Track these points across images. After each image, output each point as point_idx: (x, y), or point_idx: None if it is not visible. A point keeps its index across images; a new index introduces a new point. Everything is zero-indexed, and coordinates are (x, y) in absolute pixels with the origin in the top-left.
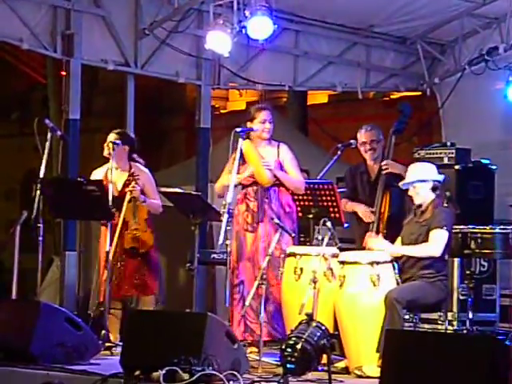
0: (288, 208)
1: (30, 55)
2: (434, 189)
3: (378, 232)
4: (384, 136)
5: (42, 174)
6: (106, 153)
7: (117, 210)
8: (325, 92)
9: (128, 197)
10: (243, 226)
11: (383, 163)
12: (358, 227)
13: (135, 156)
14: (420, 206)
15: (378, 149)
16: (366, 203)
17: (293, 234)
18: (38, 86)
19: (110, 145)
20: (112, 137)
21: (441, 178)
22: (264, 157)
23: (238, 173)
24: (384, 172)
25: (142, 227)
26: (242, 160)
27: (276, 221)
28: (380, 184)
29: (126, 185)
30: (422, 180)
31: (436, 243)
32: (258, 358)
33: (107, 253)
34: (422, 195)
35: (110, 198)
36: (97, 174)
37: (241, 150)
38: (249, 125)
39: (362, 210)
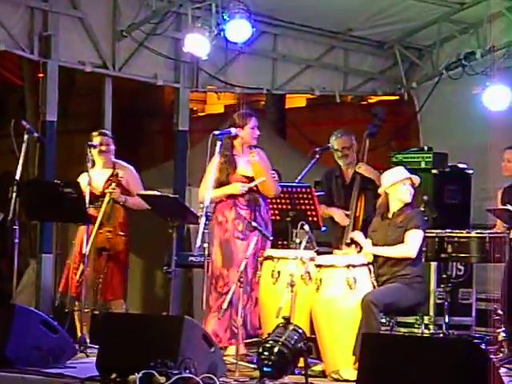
0: (266, 213)
1: (6, 56)
2: (412, 186)
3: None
4: (357, 140)
5: (18, 176)
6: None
7: (97, 208)
8: (303, 96)
9: (107, 198)
10: (233, 233)
11: (357, 166)
12: (334, 231)
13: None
14: (388, 211)
15: (350, 154)
16: (342, 206)
17: (271, 238)
18: (15, 87)
19: (105, 146)
20: (102, 139)
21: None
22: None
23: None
24: (357, 170)
25: (115, 230)
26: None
27: (254, 224)
28: (355, 187)
29: (106, 185)
30: (406, 178)
31: (412, 244)
32: (234, 361)
33: (84, 254)
34: (400, 196)
35: (88, 198)
36: (85, 176)
37: (225, 154)
38: (238, 131)
39: (338, 214)
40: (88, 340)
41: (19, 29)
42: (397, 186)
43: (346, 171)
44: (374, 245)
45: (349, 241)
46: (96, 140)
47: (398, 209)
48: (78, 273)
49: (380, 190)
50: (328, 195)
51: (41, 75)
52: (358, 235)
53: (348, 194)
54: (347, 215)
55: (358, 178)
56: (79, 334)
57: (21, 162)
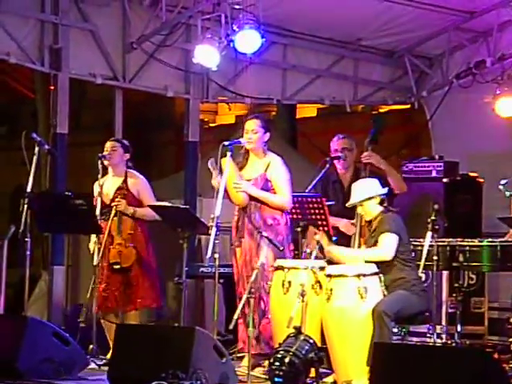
0: (271, 220)
1: (18, 69)
2: (381, 203)
3: (359, 245)
4: (358, 147)
5: (29, 189)
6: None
7: (107, 219)
8: (314, 105)
9: (114, 211)
10: (234, 241)
11: (364, 153)
12: (341, 241)
13: (130, 164)
14: (370, 221)
15: (349, 157)
16: (340, 212)
17: (281, 248)
18: (27, 100)
19: (109, 149)
20: (110, 144)
21: (385, 191)
22: (243, 174)
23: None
24: (364, 161)
25: (124, 242)
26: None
27: (264, 234)
28: None
29: (114, 197)
30: (369, 198)
31: (384, 246)
32: (246, 371)
33: (95, 266)
34: (370, 211)
35: (99, 209)
36: (97, 185)
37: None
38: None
39: (343, 224)
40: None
41: (30, 42)
42: (364, 204)
43: (344, 175)
44: None
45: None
46: (106, 146)
47: (373, 218)
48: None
49: (349, 203)
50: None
51: (52, 88)
52: (321, 238)
53: (347, 200)
54: (353, 224)
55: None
56: (91, 346)
57: (32, 174)
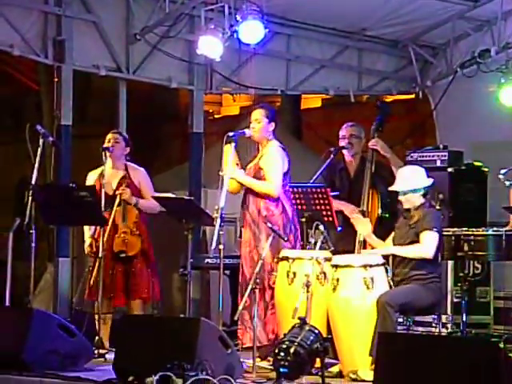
0: (265, 211)
1: (22, 61)
2: (424, 195)
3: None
4: (366, 136)
5: (33, 181)
6: (109, 145)
7: (110, 210)
8: (318, 96)
9: (118, 200)
10: (240, 232)
11: (372, 141)
12: (346, 230)
13: (129, 158)
14: (409, 209)
15: (356, 145)
16: (346, 201)
17: (285, 238)
18: (31, 92)
19: (112, 141)
20: (112, 136)
21: (430, 182)
22: (242, 163)
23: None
24: (370, 147)
25: (130, 230)
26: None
27: (269, 225)
28: (365, 181)
29: (117, 187)
30: (414, 189)
31: (427, 244)
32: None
33: (100, 258)
34: (412, 201)
35: (103, 201)
36: (92, 176)
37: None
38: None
39: (349, 210)
40: (107, 344)
41: (33, 34)
42: (408, 193)
43: (351, 163)
44: (393, 241)
45: (362, 238)
46: (107, 137)
47: (414, 208)
48: (94, 275)
49: (392, 188)
50: (330, 189)
51: (55, 79)
52: (369, 239)
53: (353, 189)
54: (360, 211)
55: (367, 170)
56: (97, 338)
57: (36, 166)
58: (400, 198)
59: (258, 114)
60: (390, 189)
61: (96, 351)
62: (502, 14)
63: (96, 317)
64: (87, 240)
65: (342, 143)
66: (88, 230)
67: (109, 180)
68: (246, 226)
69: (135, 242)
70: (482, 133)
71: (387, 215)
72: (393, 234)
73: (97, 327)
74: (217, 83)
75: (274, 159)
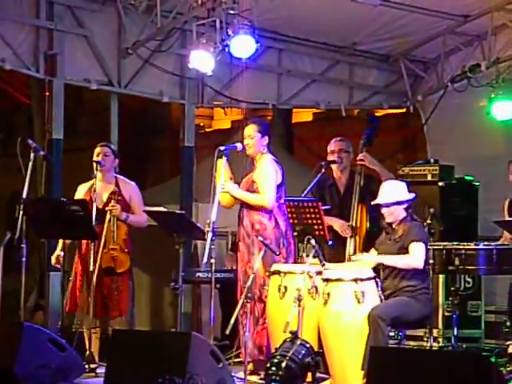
0: (258, 225)
1: (14, 75)
2: (406, 208)
3: (355, 247)
4: (354, 151)
5: (24, 195)
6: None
7: (100, 223)
8: (309, 110)
9: (108, 216)
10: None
11: (359, 156)
12: (336, 244)
13: (117, 170)
14: (391, 223)
15: (345, 159)
16: (336, 216)
17: (277, 252)
18: (22, 106)
19: (100, 156)
20: (102, 149)
21: (412, 196)
22: (233, 177)
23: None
24: (358, 162)
25: (119, 247)
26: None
27: (260, 239)
28: (354, 196)
29: (107, 202)
30: (397, 202)
31: (417, 255)
32: (243, 377)
33: (91, 272)
34: (396, 215)
35: (94, 214)
36: (82, 189)
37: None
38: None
39: (338, 225)
40: (96, 358)
41: (25, 48)
42: (391, 206)
43: (340, 178)
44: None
45: (352, 252)
46: (96, 151)
47: (396, 223)
48: (83, 291)
49: (375, 202)
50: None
51: (47, 93)
52: (357, 258)
53: (343, 204)
54: (349, 226)
55: (356, 185)
56: (87, 352)
57: (27, 180)
58: (383, 211)
59: (251, 130)
60: (373, 203)
61: (87, 366)
62: (492, 29)
63: (85, 331)
64: (57, 252)
65: (330, 158)
66: (61, 243)
67: (99, 193)
68: (241, 240)
69: (124, 260)
70: (473, 147)
71: (375, 229)
72: (372, 250)
73: (86, 342)
74: (208, 97)
75: (266, 171)
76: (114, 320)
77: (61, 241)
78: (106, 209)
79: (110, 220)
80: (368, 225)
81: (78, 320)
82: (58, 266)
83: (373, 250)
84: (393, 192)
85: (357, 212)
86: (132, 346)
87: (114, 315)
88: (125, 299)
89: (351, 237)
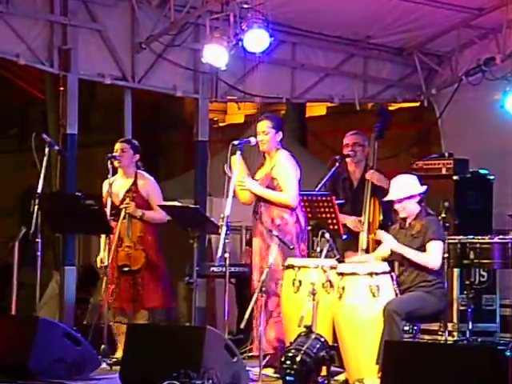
0: (279, 220)
1: (28, 70)
2: (419, 202)
3: (368, 243)
4: (369, 143)
5: (39, 190)
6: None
7: (116, 220)
8: (323, 104)
9: (123, 213)
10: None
11: (367, 174)
12: (351, 238)
13: (140, 164)
14: (405, 218)
15: (359, 153)
16: (350, 210)
17: (291, 246)
18: (37, 101)
19: (119, 151)
20: (120, 145)
21: (424, 189)
22: (258, 173)
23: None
24: (367, 178)
25: (134, 245)
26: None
27: (275, 233)
28: (366, 191)
29: (123, 199)
30: (410, 196)
31: (435, 256)
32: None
33: (105, 267)
34: (409, 209)
35: (109, 210)
36: (106, 185)
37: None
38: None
39: (350, 221)
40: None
41: (39, 43)
42: (403, 201)
43: (354, 172)
44: (392, 254)
45: (364, 247)
46: (115, 147)
47: (412, 218)
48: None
49: (387, 198)
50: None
51: (61, 88)
52: (380, 233)
53: (356, 198)
54: (360, 221)
55: (368, 182)
56: (103, 346)
57: (42, 175)
58: (396, 206)
59: (265, 126)
60: (385, 199)
61: (103, 359)
62: (507, 22)
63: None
64: (101, 255)
65: (345, 151)
66: (103, 244)
67: (117, 189)
68: (256, 236)
69: (139, 257)
70: (488, 140)
71: (389, 223)
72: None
73: (104, 336)
74: (222, 91)
75: (287, 169)
76: (141, 314)
77: (102, 242)
78: (121, 206)
79: (124, 217)
80: (381, 217)
81: (110, 315)
82: (103, 267)
83: (381, 247)
84: (405, 186)
85: (369, 206)
86: (147, 340)
87: (137, 309)
88: (148, 293)
89: (363, 232)
